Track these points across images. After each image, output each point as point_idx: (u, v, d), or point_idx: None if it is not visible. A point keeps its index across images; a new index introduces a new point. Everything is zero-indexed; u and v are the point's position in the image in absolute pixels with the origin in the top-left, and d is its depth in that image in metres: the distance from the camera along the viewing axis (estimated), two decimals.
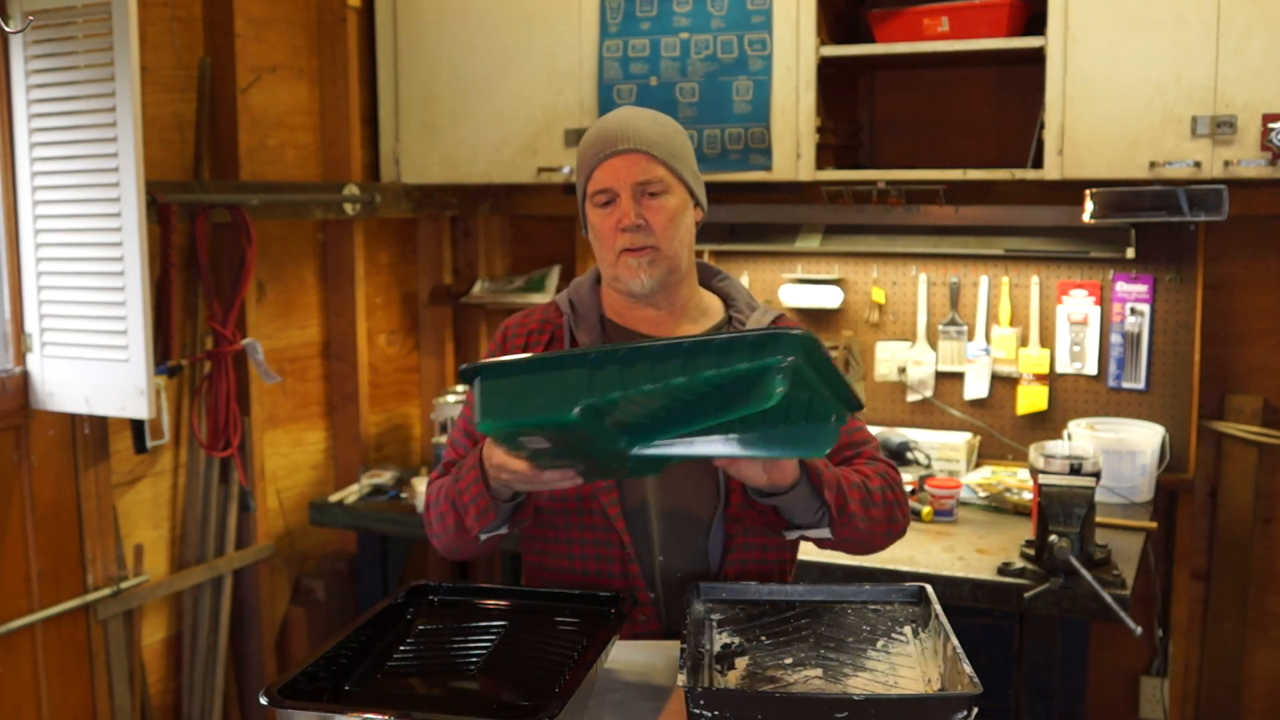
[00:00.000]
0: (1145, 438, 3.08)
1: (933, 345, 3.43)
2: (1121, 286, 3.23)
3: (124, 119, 2.53)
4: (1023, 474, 3.21)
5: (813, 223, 3.42)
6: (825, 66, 3.12)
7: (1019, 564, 2.58)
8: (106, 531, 2.92)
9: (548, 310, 1.90)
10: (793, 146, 3.12)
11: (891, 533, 1.84)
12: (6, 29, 2.38)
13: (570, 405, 1.41)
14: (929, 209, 3.31)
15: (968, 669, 1.39)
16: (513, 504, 1.72)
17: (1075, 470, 2.72)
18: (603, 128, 1.77)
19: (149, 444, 2.94)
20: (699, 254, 3.60)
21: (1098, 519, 2.64)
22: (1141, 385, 3.22)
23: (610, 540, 1.79)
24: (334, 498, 3.42)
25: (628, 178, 1.74)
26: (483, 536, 1.75)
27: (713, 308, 1.90)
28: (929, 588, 1.68)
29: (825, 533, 1.77)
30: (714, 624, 1.65)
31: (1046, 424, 3.32)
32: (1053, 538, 2.46)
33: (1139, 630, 2.39)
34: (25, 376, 2.76)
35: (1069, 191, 3.06)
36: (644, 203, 1.75)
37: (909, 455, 3.23)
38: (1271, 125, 2.67)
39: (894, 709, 1.36)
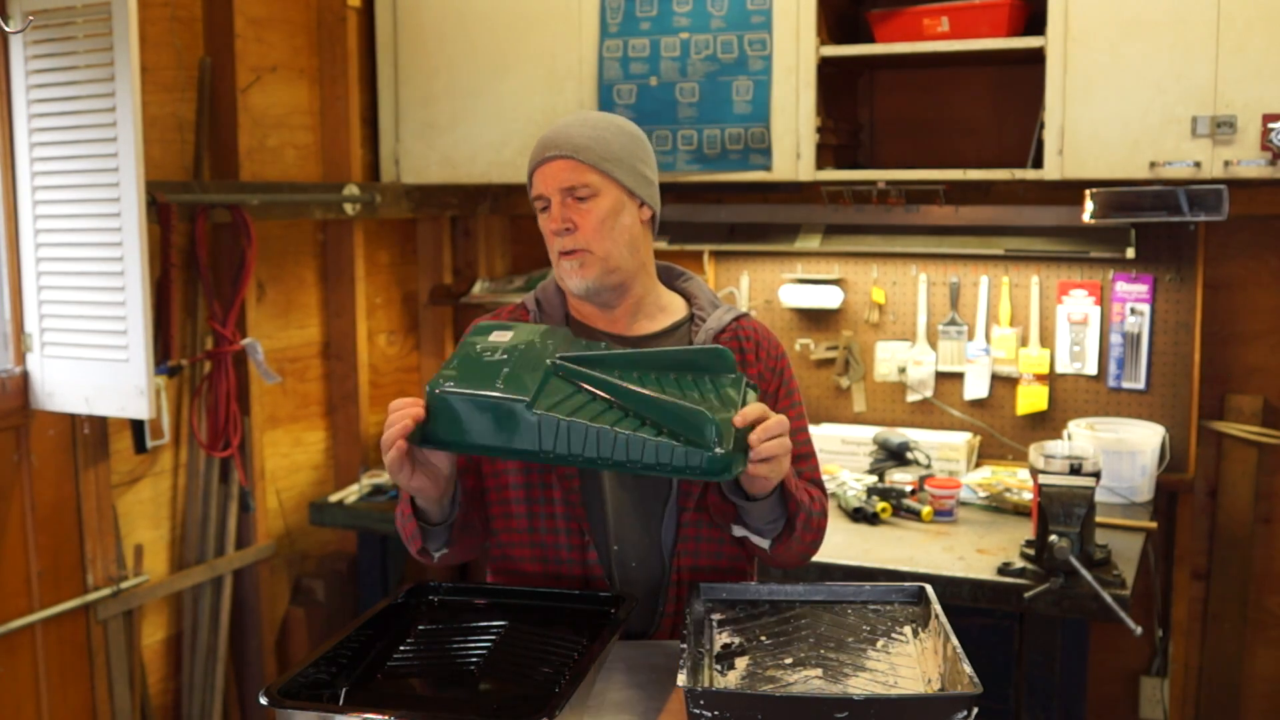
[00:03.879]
0: (1145, 438, 3.08)
1: (933, 345, 3.43)
2: (1121, 286, 3.23)
3: (124, 119, 2.53)
4: (1023, 474, 3.20)
5: (813, 223, 3.42)
6: (825, 66, 3.12)
7: (1019, 564, 2.57)
8: (106, 531, 2.92)
9: (515, 310, 1.94)
10: (793, 146, 3.12)
11: (805, 557, 1.86)
12: (6, 29, 2.38)
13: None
14: (929, 209, 3.31)
15: (968, 669, 1.39)
16: (443, 526, 1.76)
17: (1075, 470, 2.72)
18: (542, 136, 1.84)
19: (149, 444, 2.94)
20: (698, 253, 3.66)
21: (1098, 519, 2.64)
22: (1141, 385, 3.22)
23: (572, 529, 1.81)
24: (334, 498, 3.42)
25: (555, 183, 1.79)
26: (435, 556, 1.81)
27: (673, 306, 1.93)
28: (929, 588, 1.69)
29: (765, 544, 1.79)
30: (714, 624, 1.65)
31: (1046, 424, 3.32)
32: (1053, 538, 2.46)
33: (1139, 630, 2.39)
34: (25, 376, 2.76)
35: (1069, 191, 3.06)
36: (573, 206, 1.79)
37: (909, 455, 3.23)
38: (1271, 125, 2.67)
39: (894, 709, 1.36)
